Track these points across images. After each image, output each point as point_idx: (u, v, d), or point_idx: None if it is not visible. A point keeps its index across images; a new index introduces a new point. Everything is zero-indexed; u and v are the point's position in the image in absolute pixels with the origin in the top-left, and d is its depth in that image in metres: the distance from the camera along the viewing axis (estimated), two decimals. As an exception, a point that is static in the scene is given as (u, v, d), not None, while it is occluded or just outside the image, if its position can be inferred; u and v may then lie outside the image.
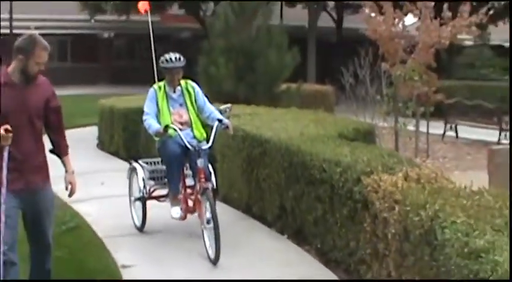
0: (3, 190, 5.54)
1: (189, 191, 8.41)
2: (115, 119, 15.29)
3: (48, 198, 5.99)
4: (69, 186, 6.09)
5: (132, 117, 14.57)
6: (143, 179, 8.76)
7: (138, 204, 8.88)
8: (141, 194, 8.74)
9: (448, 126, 20.55)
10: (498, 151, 12.11)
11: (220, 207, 8.82)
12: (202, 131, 8.46)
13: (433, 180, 6.26)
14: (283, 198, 8.56)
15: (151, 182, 8.85)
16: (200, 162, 7.92)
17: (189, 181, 8.45)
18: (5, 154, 5.53)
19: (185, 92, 8.46)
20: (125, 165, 13.79)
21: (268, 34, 16.14)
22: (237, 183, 9.71)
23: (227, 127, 8.26)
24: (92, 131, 17.56)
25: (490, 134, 18.98)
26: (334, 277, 7.16)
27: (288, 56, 16.12)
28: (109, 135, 15.63)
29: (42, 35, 6.04)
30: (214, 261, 7.43)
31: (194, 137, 8.33)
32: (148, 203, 8.81)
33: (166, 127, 8.00)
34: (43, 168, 5.94)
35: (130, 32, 42.83)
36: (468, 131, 20.09)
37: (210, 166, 8.43)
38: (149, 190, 8.82)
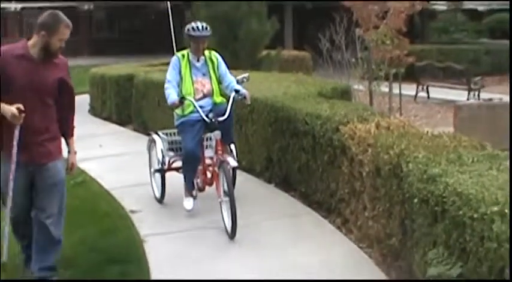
0: (14, 167, 5.59)
1: (208, 161, 8.35)
2: (107, 86, 15.99)
3: (55, 172, 5.90)
4: (70, 167, 6.15)
5: (123, 84, 15.43)
6: (162, 151, 8.75)
7: (158, 175, 8.84)
8: (160, 166, 8.72)
9: (420, 87, 21.60)
10: (463, 106, 13.21)
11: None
12: (222, 97, 8.41)
13: (401, 128, 7.27)
14: (270, 150, 9.49)
15: (171, 153, 8.78)
16: (217, 134, 7.88)
17: (209, 152, 8.41)
18: (16, 132, 5.57)
19: (208, 61, 8.37)
20: (118, 129, 14.80)
21: (248, 3, 17.00)
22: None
23: (245, 97, 8.17)
24: (82, 99, 18.25)
25: (459, 94, 20.07)
26: (317, 215, 8.16)
27: (268, 24, 17.01)
28: (101, 102, 16.38)
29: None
30: (231, 236, 7.34)
31: (215, 103, 8.26)
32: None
33: (182, 99, 7.95)
34: (52, 144, 5.90)
35: (110, 4, 43.45)
36: (439, 92, 21.15)
37: (232, 138, 8.44)
38: (168, 161, 8.78)
